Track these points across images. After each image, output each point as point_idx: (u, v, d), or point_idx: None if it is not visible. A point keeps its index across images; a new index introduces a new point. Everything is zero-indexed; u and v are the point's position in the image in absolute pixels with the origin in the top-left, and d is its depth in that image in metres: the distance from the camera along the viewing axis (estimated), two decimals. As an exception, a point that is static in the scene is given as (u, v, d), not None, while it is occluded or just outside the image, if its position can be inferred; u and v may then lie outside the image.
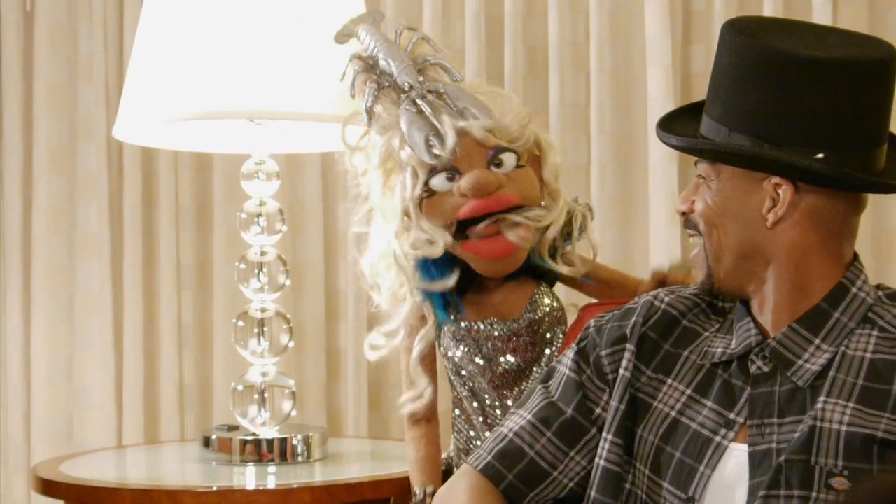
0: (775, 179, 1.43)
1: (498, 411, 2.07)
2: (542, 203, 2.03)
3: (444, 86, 2.00)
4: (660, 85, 2.78)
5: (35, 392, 3.10)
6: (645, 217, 2.83)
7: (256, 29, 2.25)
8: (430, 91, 2.00)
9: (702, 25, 2.86)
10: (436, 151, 1.95)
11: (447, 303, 2.07)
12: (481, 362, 2.06)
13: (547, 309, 2.07)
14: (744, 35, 1.44)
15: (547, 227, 2.03)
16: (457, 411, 2.13)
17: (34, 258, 3.11)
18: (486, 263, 2.01)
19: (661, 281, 2.04)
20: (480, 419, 2.08)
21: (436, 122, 1.96)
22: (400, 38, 2.07)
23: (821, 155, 1.39)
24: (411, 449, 2.10)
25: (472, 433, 2.11)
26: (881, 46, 1.44)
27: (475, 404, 2.09)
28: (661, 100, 2.75)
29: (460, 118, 1.96)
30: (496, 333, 2.05)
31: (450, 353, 2.08)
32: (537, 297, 2.07)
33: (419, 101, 1.98)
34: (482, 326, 2.06)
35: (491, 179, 1.95)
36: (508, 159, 1.98)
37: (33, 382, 3.10)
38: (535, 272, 2.08)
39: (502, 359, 2.05)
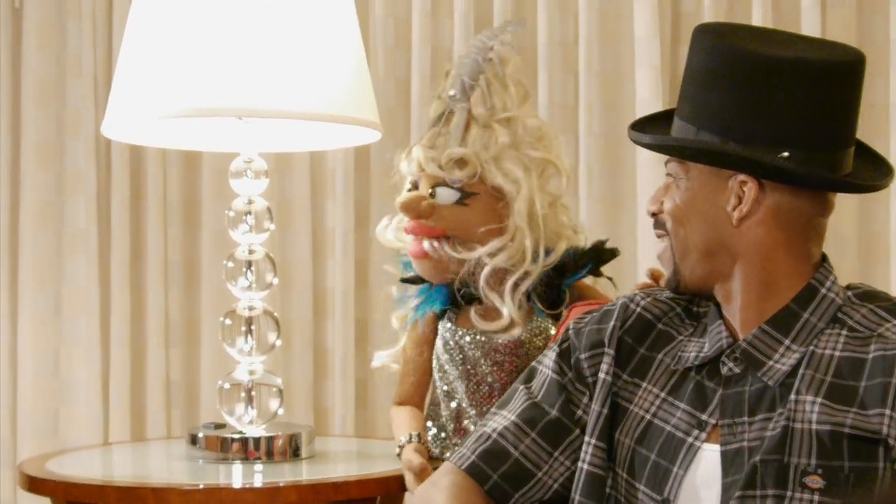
0: (741, 177, 1.44)
1: (470, 420, 2.17)
2: (479, 241, 2.14)
3: (461, 107, 2.15)
4: (648, 86, 2.79)
5: (21, 388, 3.09)
6: (633, 218, 2.84)
7: (245, 27, 2.24)
8: (451, 110, 2.18)
9: (691, 27, 2.81)
10: (402, 164, 2.23)
11: (445, 309, 2.21)
12: (460, 368, 2.16)
13: (535, 334, 2.14)
14: (713, 36, 1.46)
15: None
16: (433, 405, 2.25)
17: (21, 254, 3.11)
18: (414, 263, 2.21)
19: (657, 281, 2.05)
20: (452, 424, 2.18)
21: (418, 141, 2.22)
22: (490, 53, 2.20)
23: (786, 153, 1.40)
24: (395, 417, 2.24)
25: (436, 429, 2.22)
26: (848, 51, 1.46)
27: (452, 405, 2.19)
28: (649, 101, 2.76)
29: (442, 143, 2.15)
30: (478, 345, 2.15)
31: (438, 352, 2.20)
32: (529, 322, 2.15)
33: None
34: (468, 336, 2.16)
35: (412, 205, 2.15)
36: (442, 193, 2.15)
37: (20, 378, 3.10)
38: (548, 302, 2.16)
39: (480, 370, 2.15)
